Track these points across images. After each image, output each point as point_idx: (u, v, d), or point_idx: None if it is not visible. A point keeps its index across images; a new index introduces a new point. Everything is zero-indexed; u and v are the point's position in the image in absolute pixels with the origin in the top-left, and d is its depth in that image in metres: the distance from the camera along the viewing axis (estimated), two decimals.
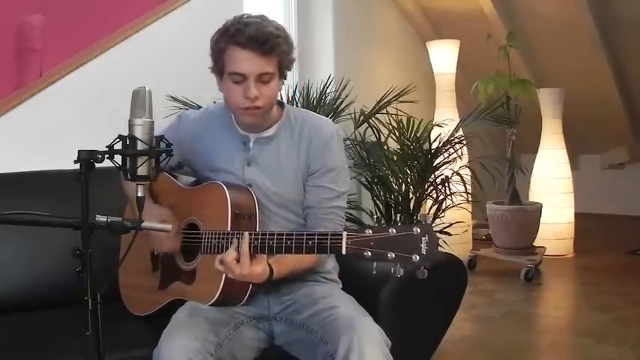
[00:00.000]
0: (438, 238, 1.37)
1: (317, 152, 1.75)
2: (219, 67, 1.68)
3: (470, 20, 4.94)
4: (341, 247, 1.39)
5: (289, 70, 1.72)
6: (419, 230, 1.33)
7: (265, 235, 1.52)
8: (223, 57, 1.65)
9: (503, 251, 4.45)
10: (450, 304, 2.10)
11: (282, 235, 1.50)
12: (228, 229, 1.62)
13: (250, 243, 1.52)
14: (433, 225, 2.80)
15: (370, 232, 1.36)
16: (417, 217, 3.15)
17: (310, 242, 1.46)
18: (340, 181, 1.78)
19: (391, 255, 1.34)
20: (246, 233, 1.52)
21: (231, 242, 1.54)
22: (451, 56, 4.67)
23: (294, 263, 1.69)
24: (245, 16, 1.66)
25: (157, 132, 1.37)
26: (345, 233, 1.40)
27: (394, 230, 1.34)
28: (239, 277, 1.54)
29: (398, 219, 1.38)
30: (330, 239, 1.42)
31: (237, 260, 1.52)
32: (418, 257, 1.32)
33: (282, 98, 1.82)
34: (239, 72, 1.62)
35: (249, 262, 1.51)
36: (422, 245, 1.33)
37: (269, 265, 1.58)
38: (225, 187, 1.67)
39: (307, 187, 1.77)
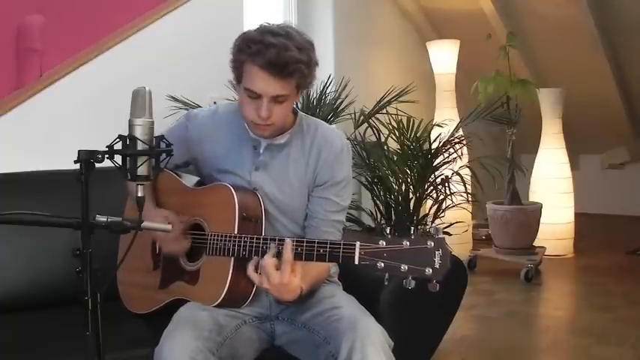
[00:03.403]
0: (451, 251, 1.37)
1: (326, 164, 1.74)
2: (237, 76, 1.66)
3: (470, 20, 4.94)
4: (354, 257, 1.39)
5: (308, 88, 1.71)
6: (433, 244, 1.34)
7: (274, 240, 1.52)
8: (242, 69, 1.62)
9: (503, 251, 4.45)
10: (450, 304, 2.10)
11: (292, 241, 1.50)
12: (235, 232, 1.61)
13: (258, 247, 1.51)
14: (435, 226, 2.79)
15: (384, 243, 1.37)
16: (417, 218, 3.15)
17: (322, 250, 1.46)
18: (344, 195, 1.78)
19: (404, 267, 1.34)
20: (288, 239, 1.51)
21: (268, 248, 1.53)
22: (451, 56, 4.67)
23: (314, 279, 1.68)
24: (270, 31, 1.59)
25: (157, 132, 1.37)
26: (358, 243, 1.40)
27: (408, 243, 1.35)
28: (276, 286, 1.52)
29: (411, 231, 1.38)
30: (343, 249, 1.42)
31: (277, 268, 1.50)
32: (431, 271, 1.33)
33: None
34: (254, 90, 1.60)
35: (290, 270, 1.50)
36: (435, 259, 1.33)
37: None
38: (232, 189, 1.66)
39: (312, 197, 1.77)
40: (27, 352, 1.73)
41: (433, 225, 1.39)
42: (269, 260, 1.51)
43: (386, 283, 1.37)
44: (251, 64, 1.58)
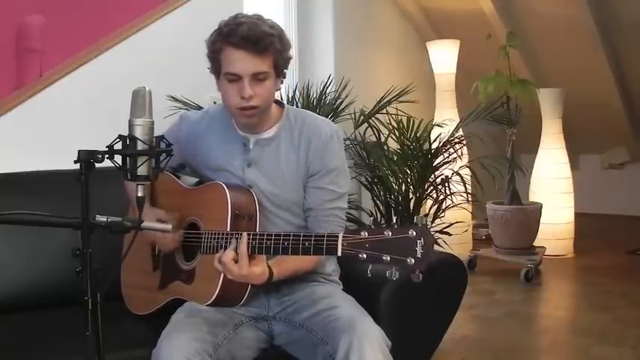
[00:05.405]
0: (435, 240, 1.36)
1: (317, 153, 1.74)
2: (215, 68, 1.69)
3: (470, 20, 4.94)
4: (337, 248, 1.39)
5: (285, 68, 1.72)
6: (415, 233, 1.32)
7: (263, 235, 1.52)
8: (219, 58, 1.65)
9: (503, 251, 4.45)
10: (450, 304, 2.10)
11: (280, 236, 1.50)
12: (228, 230, 1.61)
13: (248, 243, 1.52)
14: (433, 225, 2.78)
15: (366, 234, 1.36)
16: (416, 218, 3.15)
17: (307, 243, 1.45)
18: (340, 182, 1.78)
19: (386, 257, 1.33)
20: (245, 234, 1.52)
21: (229, 243, 1.54)
22: (451, 56, 4.67)
23: (295, 265, 1.69)
24: (239, 15, 1.66)
25: (157, 132, 1.37)
26: (340, 235, 1.39)
27: (390, 232, 1.33)
28: (238, 278, 1.54)
29: (395, 221, 1.37)
30: (327, 241, 1.42)
31: (236, 261, 1.52)
32: (413, 260, 1.31)
33: (282, 98, 1.82)
34: (233, 72, 1.63)
35: (248, 262, 1.51)
36: (417, 248, 1.31)
37: (269, 266, 1.58)
38: (225, 188, 1.67)
39: (307, 188, 1.77)
40: (27, 352, 1.73)
41: (419, 216, 1.37)
42: (227, 255, 1.52)
43: (369, 275, 1.35)
44: (227, 47, 1.63)
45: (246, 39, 1.59)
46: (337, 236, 1.39)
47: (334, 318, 1.62)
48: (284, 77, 1.74)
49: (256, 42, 1.60)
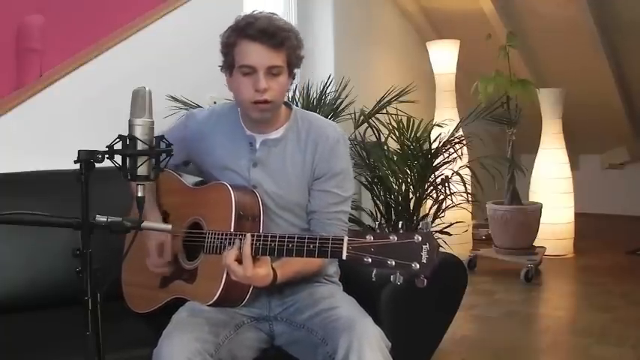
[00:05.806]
0: (439, 245, 1.36)
1: (323, 157, 1.74)
2: (229, 63, 1.68)
3: (470, 20, 4.94)
4: (342, 252, 1.38)
5: (297, 67, 1.72)
6: (420, 238, 1.32)
7: (267, 237, 1.51)
8: (233, 51, 1.65)
9: (503, 251, 4.45)
10: (450, 304, 2.10)
11: (284, 237, 1.49)
12: (232, 230, 1.61)
13: (252, 244, 1.52)
14: (433, 225, 2.78)
15: (371, 237, 1.35)
16: (417, 218, 3.15)
17: (311, 246, 1.45)
18: (345, 186, 1.78)
19: (391, 262, 1.32)
20: (249, 235, 1.52)
21: (232, 243, 1.53)
22: (451, 56, 4.68)
23: (299, 267, 1.68)
24: (255, 12, 1.68)
25: (157, 132, 1.37)
26: (346, 238, 1.38)
27: (395, 237, 1.33)
28: (242, 279, 1.52)
29: (400, 225, 1.36)
30: (332, 244, 1.41)
31: (239, 261, 1.51)
32: (418, 266, 1.31)
33: None
34: (249, 64, 1.63)
35: (252, 264, 1.51)
36: (422, 254, 1.31)
37: (273, 268, 1.57)
38: (230, 188, 1.66)
39: (312, 191, 1.76)
40: (27, 352, 1.73)
41: (424, 221, 1.37)
42: (230, 255, 1.51)
43: (373, 279, 1.35)
44: (243, 40, 1.63)
45: (263, 32, 1.61)
46: (342, 239, 1.38)
47: (335, 318, 1.62)
48: (294, 78, 1.74)
49: (273, 36, 1.61)
